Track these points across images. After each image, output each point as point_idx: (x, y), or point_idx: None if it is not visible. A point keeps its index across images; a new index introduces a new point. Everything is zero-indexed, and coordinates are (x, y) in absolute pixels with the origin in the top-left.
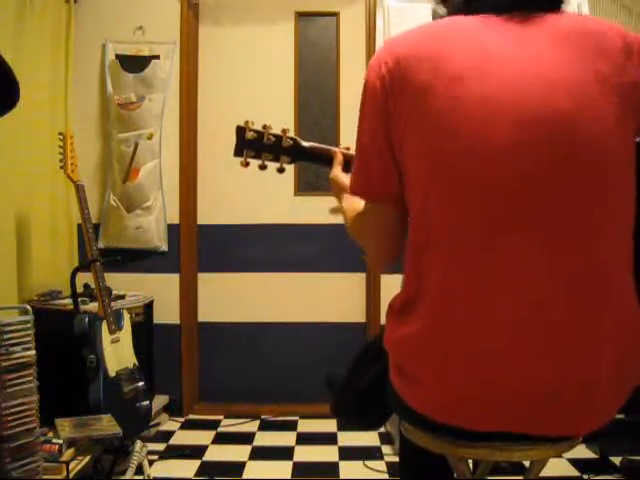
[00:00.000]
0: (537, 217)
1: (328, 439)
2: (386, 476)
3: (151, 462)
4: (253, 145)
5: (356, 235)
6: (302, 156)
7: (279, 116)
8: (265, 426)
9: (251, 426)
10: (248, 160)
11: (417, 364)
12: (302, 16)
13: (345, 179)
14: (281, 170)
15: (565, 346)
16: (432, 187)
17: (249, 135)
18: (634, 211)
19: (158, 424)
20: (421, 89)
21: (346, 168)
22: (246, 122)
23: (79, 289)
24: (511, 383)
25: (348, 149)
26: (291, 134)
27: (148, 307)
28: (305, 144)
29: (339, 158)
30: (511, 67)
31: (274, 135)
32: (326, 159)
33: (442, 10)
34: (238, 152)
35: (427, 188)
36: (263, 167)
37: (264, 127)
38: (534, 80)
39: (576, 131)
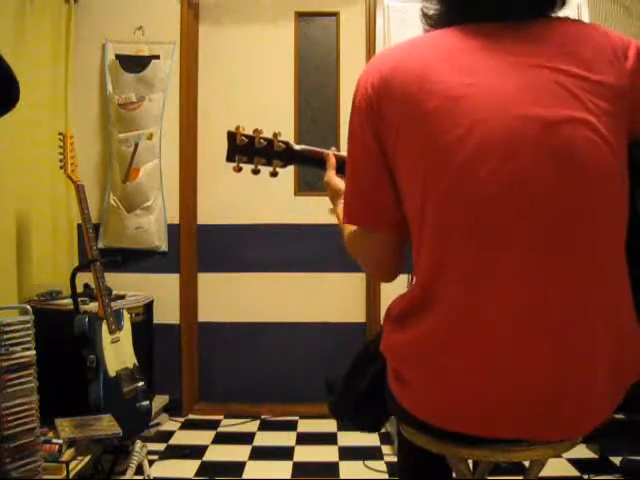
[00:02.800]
0: (534, 224)
1: (328, 439)
2: (386, 476)
3: (151, 462)
4: (245, 150)
5: (351, 252)
6: (294, 159)
7: (279, 116)
8: (265, 426)
9: (251, 426)
10: (241, 165)
11: (415, 370)
12: (302, 16)
13: (338, 182)
14: (274, 174)
15: (563, 350)
16: (428, 201)
17: (240, 140)
18: (628, 214)
19: (158, 424)
20: (409, 106)
21: (340, 170)
22: (237, 127)
23: (79, 289)
24: (510, 388)
25: (340, 150)
26: (283, 138)
27: (148, 307)
28: (297, 147)
29: (332, 161)
30: (500, 78)
31: (265, 139)
32: (319, 162)
33: (432, 10)
34: (230, 157)
35: (424, 202)
36: (256, 172)
37: (255, 131)
38: (523, 90)
39: (566, 138)
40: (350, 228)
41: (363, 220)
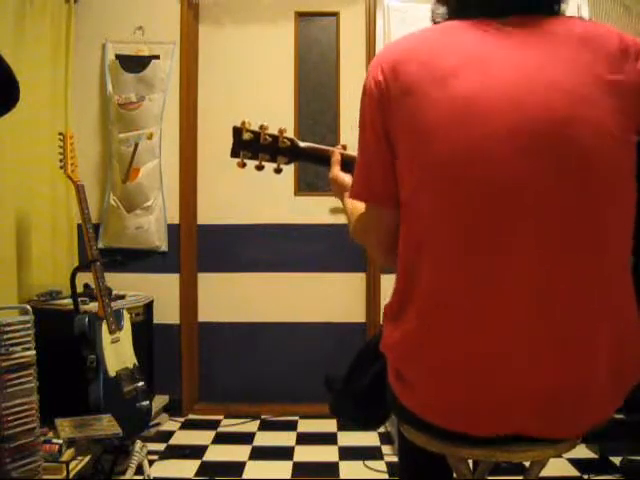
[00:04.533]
0: (538, 223)
1: (328, 439)
2: (386, 476)
3: (151, 462)
4: (250, 146)
5: (359, 237)
6: (299, 156)
7: (279, 116)
8: (265, 426)
9: (251, 426)
10: (245, 161)
11: (415, 369)
12: (302, 16)
13: (345, 178)
14: (278, 171)
15: (564, 350)
16: (424, 192)
17: (246, 136)
18: (634, 215)
19: (158, 424)
20: (414, 94)
21: (345, 167)
22: (243, 123)
23: (79, 289)
24: (511, 387)
25: (345, 148)
26: (288, 134)
27: (148, 307)
28: (302, 144)
29: (337, 157)
30: (507, 72)
31: (271, 135)
32: (324, 159)
33: (441, 10)
34: (235, 153)
35: (418, 192)
36: (260, 168)
37: (261, 127)
38: (531, 86)
39: (575, 136)
40: (358, 212)
41: (371, 196)
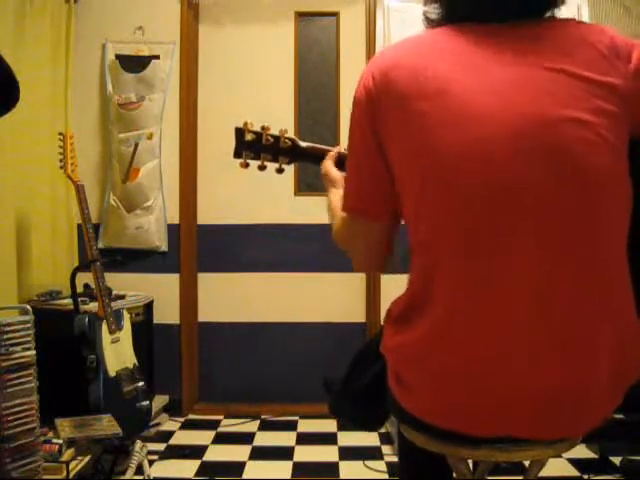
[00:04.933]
0: (538, 223)
1: (328, 439)
2: (386, 476)
3: (151, 462)
4: (252, 146)
5: (344, 243)
6: (300, 157)
7: (279, 116)
8: (265, 426)
9: (251, 426)
10: (247, 161)
11: (415, 372)
12: (302, 16)
13: (337, 174)
14: (280, 170)
15: (565, 350)
16: (426, 195)
17: (248, 136)
18: (630, 215)
19: (158, 424)
20: (406, 104)
21: (341, 165)
22: (245, 123)
23: (79, 289)
24: (511, 388)
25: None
26: (289, 135)
27: (148, 307)
28: (303, 145)
29: (332, 152)
30: (499, 77)
31: (272, 136)
32: (324, 159)
33: (433, 6)
34: (237, 154)
35: (421, 195)
36: (262, 168)
37: (263, 128)
38: (523, 90)
39: (568, 139)
40: (343, 216)
41: (363, 212)
